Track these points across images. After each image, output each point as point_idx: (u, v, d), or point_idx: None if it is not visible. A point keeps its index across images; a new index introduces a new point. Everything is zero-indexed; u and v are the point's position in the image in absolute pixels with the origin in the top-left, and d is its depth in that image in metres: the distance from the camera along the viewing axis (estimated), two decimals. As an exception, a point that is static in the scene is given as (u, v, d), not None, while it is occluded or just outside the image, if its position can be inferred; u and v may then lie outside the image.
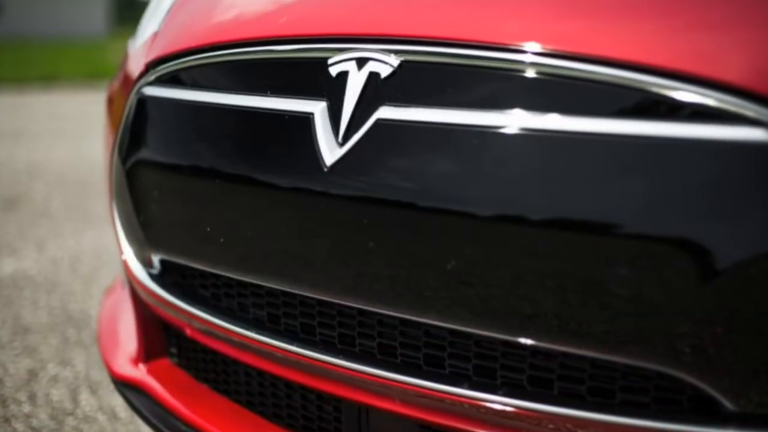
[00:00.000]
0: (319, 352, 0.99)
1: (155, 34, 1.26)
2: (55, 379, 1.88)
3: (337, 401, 1.06)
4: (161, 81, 1.15)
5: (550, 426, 0.84)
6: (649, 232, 0.73)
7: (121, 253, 1.28)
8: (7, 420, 1.70)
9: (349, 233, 0.91)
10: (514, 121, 0.80)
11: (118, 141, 1.21)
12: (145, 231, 1.18)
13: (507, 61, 0.82)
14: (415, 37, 0.89)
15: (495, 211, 0.81)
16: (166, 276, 1.22)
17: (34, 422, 1.69)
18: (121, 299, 1.48)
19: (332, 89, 0.92)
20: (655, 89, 0.75)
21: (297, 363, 1.03)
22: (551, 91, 0.80)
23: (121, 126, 1.21)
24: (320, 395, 1.08)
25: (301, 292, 1.00)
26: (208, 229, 1.08)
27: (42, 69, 10.37)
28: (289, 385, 1.13)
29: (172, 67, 1.14)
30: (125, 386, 1.33)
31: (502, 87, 0.83)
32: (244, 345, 1.10)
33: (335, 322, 0.99)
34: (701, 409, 0.78)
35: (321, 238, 0.94)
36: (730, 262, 0.70)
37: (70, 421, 1.70)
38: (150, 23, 1.33)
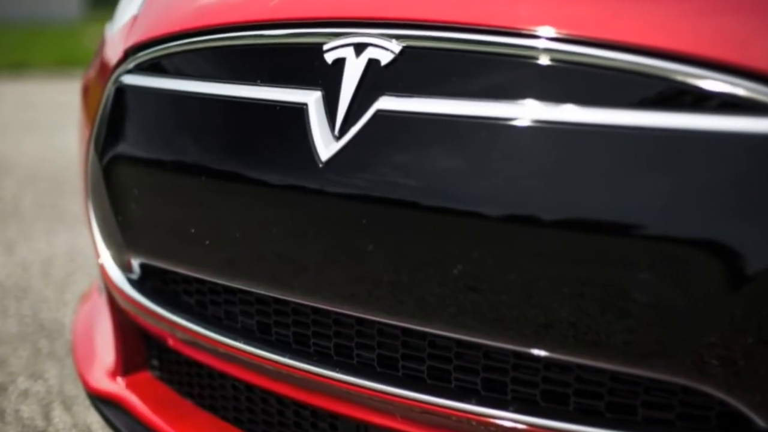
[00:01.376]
0: (313, 365, 0.99)
1: (134, 18, 1.26)
2: (25, 394, 1.88)
3: (334, 418, 1.06)
4: (141, 69, 1.15)
5: (566, 445, 0.84)
6: (672, 233, 0.73)
7: (98, 256, 1.28)
8: (-27, 438, 1.70)
9: (346, 235, 0.91)
10: (526, 112, 0.80)
11: (94, 134, 1.21)
12: (124, 232, 1.18)
13: (518, 47, 0.82)
14: (418, 21, 0.89)
15: (505, 211, 0.81)
16: (147, 281, 1.22)
17: (3, 441, 1.69)
18: (98, 307, 1.49)
19: (328, 78, 0.92)
20: (679, 77, 0.75)
21: (290, 376, 1.03)
22: (566, 80, 0.80)
23: (97, 118, 1.21)
24: (315, 411, 1.09)
25: (294, 299, 1.00)
26: (193, 230, 1.08)
27: (11, 56, 10.36)
28: (281, 400, 1.13)
29: (152, 54, 1.14)
30: (102, 401, 1.33)
31: (513, 75, 0.83)
32: (232, 357, 1.10)
33: (331, 332, 0.99)
34: (730, 427, 0.78)
35: (316, 240, 0.94)
36: (763, 266, 0.71)
37: (42, 440, 1.70)
38: (129, 6, 1.33)
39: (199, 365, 1.23)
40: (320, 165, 0.90)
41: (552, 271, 0.79)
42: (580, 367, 0.83)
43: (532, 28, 0.82)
